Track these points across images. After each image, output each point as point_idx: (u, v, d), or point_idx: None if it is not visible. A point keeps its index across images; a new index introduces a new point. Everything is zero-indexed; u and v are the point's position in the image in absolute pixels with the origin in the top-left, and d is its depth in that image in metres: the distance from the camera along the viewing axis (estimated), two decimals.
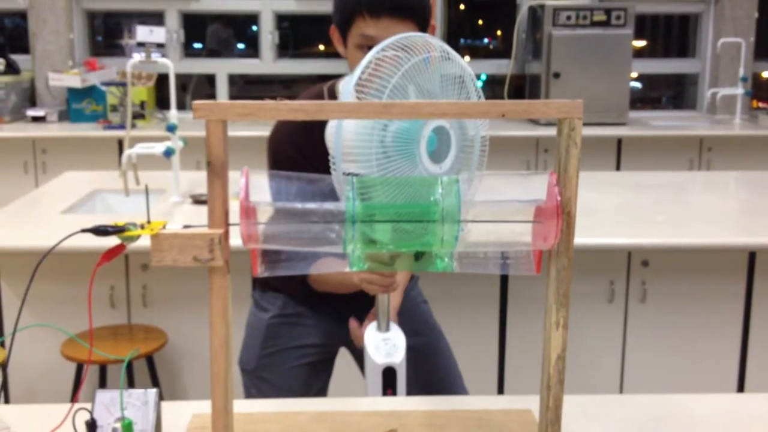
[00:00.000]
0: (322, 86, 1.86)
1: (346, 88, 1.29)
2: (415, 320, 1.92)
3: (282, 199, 1.11)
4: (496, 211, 1.11)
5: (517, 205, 1.11)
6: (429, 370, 1.98)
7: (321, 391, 2.04)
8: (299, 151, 1.76)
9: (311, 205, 1.10)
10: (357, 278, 1.70)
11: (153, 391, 1.23)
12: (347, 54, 1.74)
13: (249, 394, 1.99)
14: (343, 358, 2.10)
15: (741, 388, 2.92)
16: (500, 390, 2.94)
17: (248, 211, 1.07)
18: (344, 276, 1.77)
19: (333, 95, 1.82)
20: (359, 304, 1.90)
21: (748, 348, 2.90)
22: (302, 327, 1.99)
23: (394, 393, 1.62)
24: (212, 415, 1.12)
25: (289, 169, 1.76)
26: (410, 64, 1.24)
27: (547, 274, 1.14)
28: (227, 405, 1.12)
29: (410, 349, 1.69)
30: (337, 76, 1.86)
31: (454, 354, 2.07)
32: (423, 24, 1.68)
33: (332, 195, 1.20)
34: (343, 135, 1.24)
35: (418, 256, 1.23)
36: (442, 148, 1.28)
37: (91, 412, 1.20)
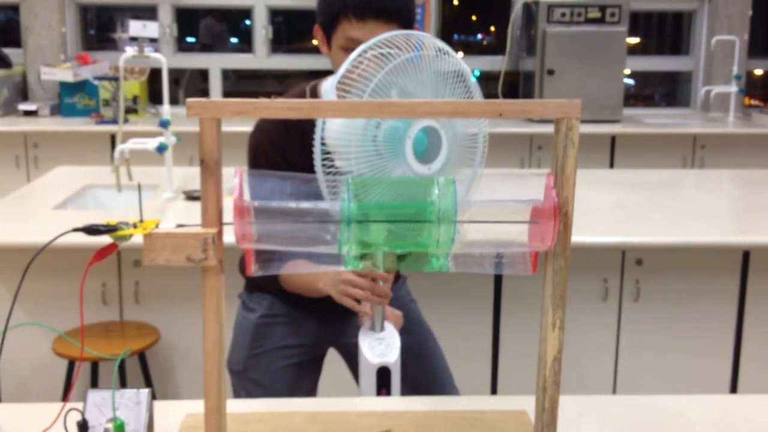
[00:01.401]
0: (305, 86, 1.86)
1: (329, 86, 1.28)
2: (404, 320, 1.91)
3: (276, 200, 1.10)
4: (492, 211, 1.10)
5: (514, 205, 1.10)
6: (418, 369, 1.98)
7: (310, 392, 2.03)
8: (277, 149, 1.77)
9: (306, 205, 1.09)
10: (321, 284, 1.73)
11: (145, 391, 1.22)
12: (331, 55, 1.74)
13: (238, 395, 1.98)
14: (336, 358, 2.10)
15: (734, 387, 2.93)
16: (494, 389, 2.93)
17: (242, 211, 1.05)
18: (309, 279, 1.79)
19: (315, 95, 1.82)
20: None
21: (742, 346, 2.90)
22: (290, 327, 1.98)
23: (388, 393, 1.61)
24: (205, 415, 1.11)
25: (266, 165, 1.76)
26: (393, 65, 1.23)
27: (543, 275, 1.13)
28: (220, 405, 1.11)
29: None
30: (327, 73, 1.86)
31: (443, 353, 2.06)
32: (407, 27, 1.68)
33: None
34: (330, 133, 1.23)
35: (402, 256, 1.21)
36: (433, 148, 1.26)
37: (82, 413, 1.19)
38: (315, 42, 1.83)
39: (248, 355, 1.98)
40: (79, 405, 1.21)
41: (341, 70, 1.26)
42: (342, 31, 1.68)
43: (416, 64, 1.26)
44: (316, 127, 1.26)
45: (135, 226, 1.06)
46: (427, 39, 1.28)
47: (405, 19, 1.69)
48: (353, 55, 1.26)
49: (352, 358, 2.03)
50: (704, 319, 2.89)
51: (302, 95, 1.82)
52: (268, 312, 1.99)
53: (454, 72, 1.28)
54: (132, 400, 1.21)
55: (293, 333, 1.98)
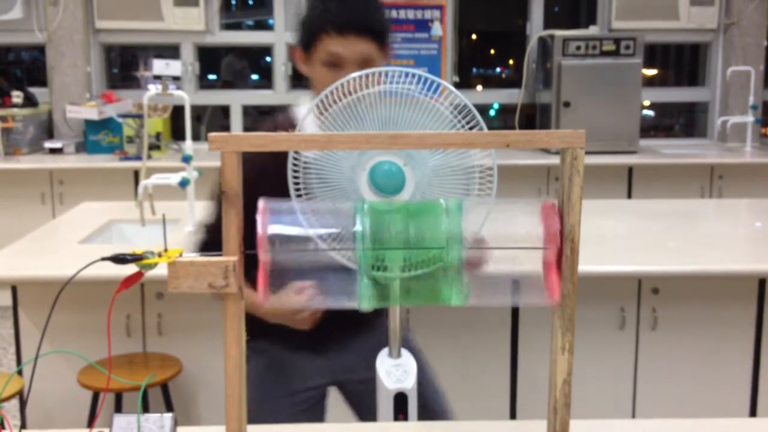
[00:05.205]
0: (277, 117, 1.93)
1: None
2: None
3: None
4: (503, 237, 1.14)
5: (523, 229, 1.14)
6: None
7: None
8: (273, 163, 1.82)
9: (322, 232, 1.14)
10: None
11: (169, 416, 1.26)
12: (311, 71, 1.80)
13: None
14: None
15: (753, 415, 2.92)
16: (512, 416, 2.94)
17: (263, 242, 1.10)
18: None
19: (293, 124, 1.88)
20: (326, 332, 1.87)
21: (760, 374, 2.90)
22: (286, 373, 1.99)
23: (405, 418, 1.64)
24: None
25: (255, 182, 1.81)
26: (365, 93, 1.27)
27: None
28: (241, 427, 1.15)
29: None
30: None
31: (437, 376, 2.06)
32: (383, 42, 1.76)
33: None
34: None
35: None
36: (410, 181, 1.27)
37: None
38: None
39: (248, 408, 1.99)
40: (106, 430, 1.25)
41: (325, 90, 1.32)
42: (323, 46, 1.74)
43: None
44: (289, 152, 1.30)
45: (160, 255, 1.11)
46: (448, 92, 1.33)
47: (381, 35, 1.76)
48: (349, 76, 1.29)
49: (351, 395, 2.06)
50: (722, 347, 2.90)
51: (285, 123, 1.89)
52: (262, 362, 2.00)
53: (456, 106, 1.32)
54: (156, 424, 1.25)
55: (291, 376, 1.99)
